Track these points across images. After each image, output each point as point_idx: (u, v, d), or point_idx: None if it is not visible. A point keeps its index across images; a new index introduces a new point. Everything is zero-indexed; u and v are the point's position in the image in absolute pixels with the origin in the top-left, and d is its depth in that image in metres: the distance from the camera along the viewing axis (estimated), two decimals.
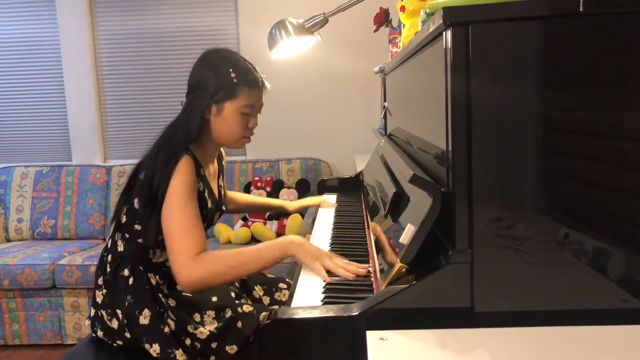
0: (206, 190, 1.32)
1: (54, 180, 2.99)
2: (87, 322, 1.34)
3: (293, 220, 2.61)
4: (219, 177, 1.45)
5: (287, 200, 2.79)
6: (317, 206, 1.76)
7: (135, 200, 1.25)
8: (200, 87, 1.24)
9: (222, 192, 1.48)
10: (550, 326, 0.72)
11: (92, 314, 1.32)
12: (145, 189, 1.20)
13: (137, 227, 1.26)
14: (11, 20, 3.15)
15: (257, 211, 1.82)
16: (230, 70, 1.24)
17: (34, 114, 3.23)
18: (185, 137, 1.23)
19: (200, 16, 3.09)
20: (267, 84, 1.32)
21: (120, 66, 3.16)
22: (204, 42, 3.09)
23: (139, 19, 3.11)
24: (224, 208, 1.46)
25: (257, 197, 1.86)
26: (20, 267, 2.48)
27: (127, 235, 1.28)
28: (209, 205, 1.33)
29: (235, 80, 1.24)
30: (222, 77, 1.23)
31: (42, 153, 3.27)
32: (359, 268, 1.03)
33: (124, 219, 1.28)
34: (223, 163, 1.51)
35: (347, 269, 1.02)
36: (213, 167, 1.40)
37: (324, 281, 1.01)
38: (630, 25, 0.68)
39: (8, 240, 2.99)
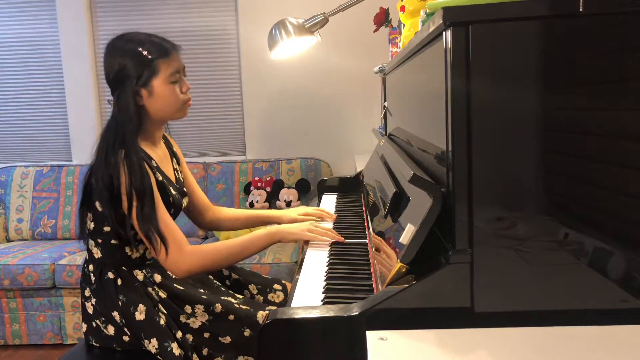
0: (165, 180, 1.31)
1: (54, 180, 2.99)
2: (84, 327, 1.34)
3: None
4: (172, 162, 1.42)
5: (287, 200, 2.80)
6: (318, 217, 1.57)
7: (97, 204, 1.24)
8: (122, 77, 1.22)
9: (181, 177, 1.45)
10: (550, 326, 0.72)
11: (85, 328, 1.32)
12: (104, 193, 1.19)
13: (106, 228, 1.26)
14: (11, 20, 3.14)
15: (252, 226, 1.63)
16: (141, 49, 1.22)
17: (34, 114, 3.23)
18: (132, 129, 1.22)
19: (200, 16, 3.09)
20: (177, 45, 1.30)
21: None
22: (204, 42, 3.09)
23: (139, 19, 3.11)
24: (185, 190, 1.44)
25: (249, 211, 1.68)
26: (20, 267, 2.47)
27: (99, 240, 1.28)
28: (173, 192, 1.32)
29: (149, 56, 1.23)
30: (137, 59, 1.22)
31: (42, 153, 3.26)
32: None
33: (91, 226, 1.28)
34: (175, 149, 1.47)
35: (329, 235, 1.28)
36: (162, 151, 1.38)
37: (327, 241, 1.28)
38: (630, 25, 0.68)
39: (8, 240, 2.98)
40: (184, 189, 1.43)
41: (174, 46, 1.28)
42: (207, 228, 1.60)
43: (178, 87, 1.28)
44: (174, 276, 1.31)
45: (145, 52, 1.22)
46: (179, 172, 1.45)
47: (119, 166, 1.17)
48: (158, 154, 1.35)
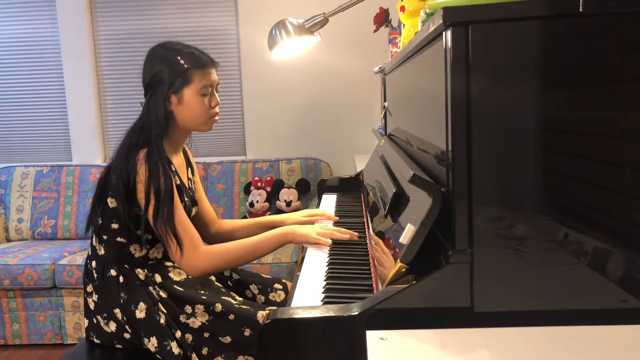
0: (181, 184, 1.35)
1: (54, 180, 2.99)
2: (86, 323, 1.34)
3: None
4: (187, 171, 1.46)
5: (287, 200, 2.80)
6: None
7: (109, 200, 1.27)
8: (156, 82, 1.28)
9: (193, 187, 1.49)
10: (550, 326, 0.72)
11: (87, 324, 1.32)
12: (120, 188, 1.22)
13: (114, 225, 1.28)
14: (11, 20, 3.14)
15: (259, 233, 1.50)
16: (179, 58, 1.28)
17: (34, 114, 3.23)
18: (158, 132, 1.26)
19: (200, 16, 3.09)
20: (216, 61, 1.34)
21: (120, 66, 3.16)
22: (204, 42, 3.09)
23: (139, 19, 3.11)
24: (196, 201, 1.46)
25: (254, 218, 1.64)
26: (20, 267, 2.48)
27: (105, 237, 1.29)
28: (186, 198, 1.36)
29: (185, 65, 1.28)
30: (173, 67, 1.27)
31: (42, 153, 3.27)
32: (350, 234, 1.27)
33: (100, 222, 1.30)
34: (191, 160, 1.51)
35: (342, 232, 1.27)
36: (179, 159, 1.42)
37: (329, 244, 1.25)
38: (630, 25, 0.68)
39: (8, 240, 2.98)
40: (195, 199, 1.46)
41: (212, 61, 1.32)
42: (212, 241, 1.56)
43: (208, 100, 1.31)
44: (189, 275, 1.32)
45: (182, 61, 1.27)
46: (192, 182, 1.48)
47: (138, 164, 1.21)
48: (177, 161, 1.39)
